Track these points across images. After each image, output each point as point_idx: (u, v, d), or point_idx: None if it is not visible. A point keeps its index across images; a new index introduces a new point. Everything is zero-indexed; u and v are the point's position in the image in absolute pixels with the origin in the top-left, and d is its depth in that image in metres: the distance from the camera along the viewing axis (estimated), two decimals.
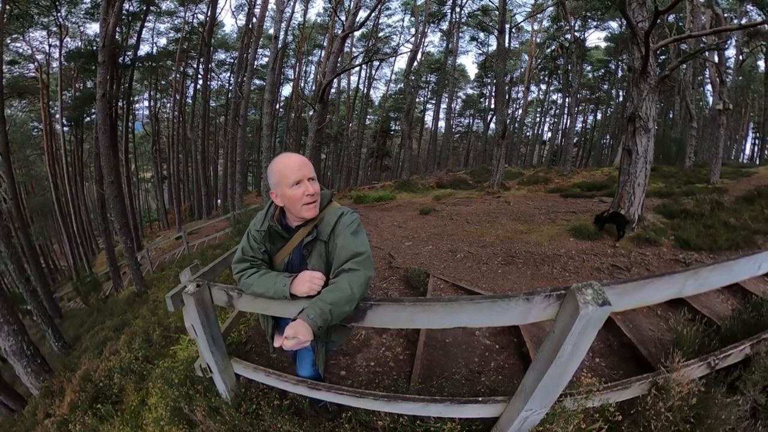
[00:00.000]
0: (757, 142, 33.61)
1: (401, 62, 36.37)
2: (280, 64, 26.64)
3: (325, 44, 28.67)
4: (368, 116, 40.78)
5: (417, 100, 35.44)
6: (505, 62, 17.70)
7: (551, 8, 25.27)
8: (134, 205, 28.27)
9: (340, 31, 12.79)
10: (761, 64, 24.84)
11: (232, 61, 31.76)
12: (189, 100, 29.70)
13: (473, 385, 2.63)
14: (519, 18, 27.08)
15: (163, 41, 27.64)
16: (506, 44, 22.60)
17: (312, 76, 35.40)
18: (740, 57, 23.07)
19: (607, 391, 1.83)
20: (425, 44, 30.33)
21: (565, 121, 34.38)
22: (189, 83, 29.74)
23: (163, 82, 30.00)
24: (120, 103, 20.83)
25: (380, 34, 31.21)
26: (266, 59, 26.20)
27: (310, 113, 14.47)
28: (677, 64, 7.08)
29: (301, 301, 1.52)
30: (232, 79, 29.65)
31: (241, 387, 2.35)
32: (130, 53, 20.26)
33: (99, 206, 16.48)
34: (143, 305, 8.42)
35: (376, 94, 41.79)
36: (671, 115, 29.52)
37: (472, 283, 4.80)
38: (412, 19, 27.06)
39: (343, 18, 12.69)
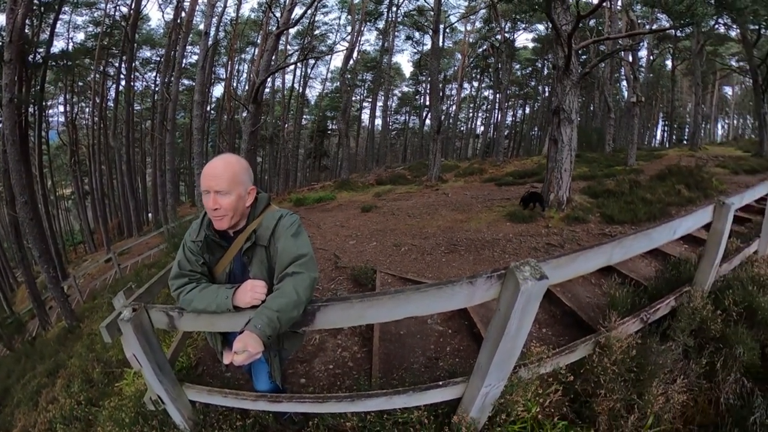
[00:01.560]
0: (665, 128, 38.71)
1: (337, 61, 35.97)
2: (210, 63, 25.14)
3: (258, 41, 27.45)
4: (304, 116, 40.02)
5: (353, 98, 35.48)
6: (439, 61, 18.36)
7: (483, 10, 26.64)
8: (54, 227, 25.02)
9: (274, 28, 12.39)
10: (669, 63, 28.64)
11: (158, 59, 29.31)
12: (111, 104, 26.74)
13: (433, 371, 2.68)
14: (453, 18, 28.23)
15: (80, 36, 24.76)
16: (440, 43, 23.45)
17: (245, 75, 33.74)
18: (651, 57, 27.02)
19: (556, 356, 1.97)
20: (361, 43, 30.50)
21: (496, 115, 36.62)
22: (110, 84, 26.83)
23: (80, 84, 26.94)
24: (31, 109, 18.16)
25: (316, 32, 30.72)
26: (196, 57, 24.71)
27: (244, 114, 13.86)
28: (596, 63, 7.85)
29: (247, 312, 1.44)
30: (158, 79, 27.50)
31: (199, 413, 2.17)
32: (42, 50, 17.53)
33: (12, 232, 14.13)
34: (77, 342, 7.53)
35: (312, 93, 41.18)
36: (592, 108, 33.07)
37: (419, 274, 4.90)
38: (349, 17, 27.04)
39: (278, 14, 12.33)
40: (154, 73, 30.20)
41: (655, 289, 2.97)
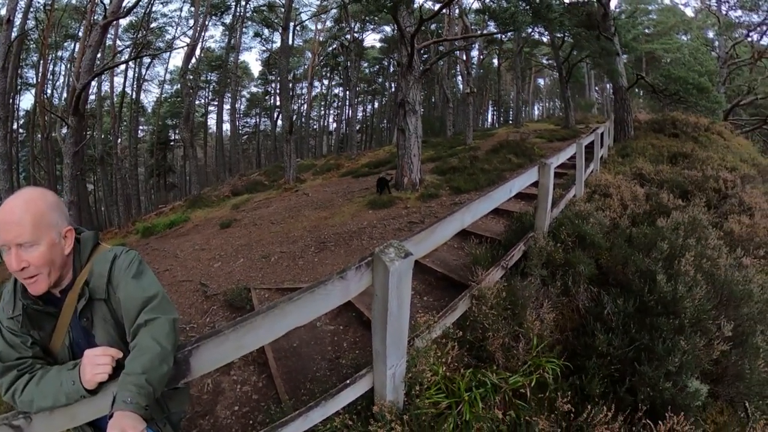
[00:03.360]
0: (494, 113, 47.15)
1: (177, 59, 31.34)
2: (15, 63, 18.52)
3: (80, 34, 21.40)
4: (141, 127, 33.78)
5: (197, 102, 32.03)
6: (288, 59, 17.99)
7: (335, 10, 27.10)
8: None
9: (101, 18, 9.92)
10: (495, 61, 35.02)
11: None
12: None
13: (339, 371, 2.67)
14: (304, 16, 27.82)
15: None
16: (290, 41, 22.89)
17: (63, 78, 25.74)
18: (481, 56, 32.85)
19: (442, 319, 2.17)
20: (205, 38, 27.36)
21: (347, 111, 38.02)
22: None
23: None
24: None
25: (153, 25, 25.74)
26: None
27: (63, 131, 10.89)
28: (435, 60, 8.95)
29: (109, 388, 1.14)
30: None
31: None
32: None
33: None
34: None
35: (149, 98, 34.45)
36: (433, 99, 37.96)
37: (295, 280, 4.79)
38: (192, 9, 23.36)
39: (106, 1, 9.90)
40: None
41: (507, 241, 3.58)
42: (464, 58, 19.37)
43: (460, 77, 25.77)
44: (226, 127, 35.90)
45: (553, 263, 2.88)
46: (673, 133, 12.19)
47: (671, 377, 1.91)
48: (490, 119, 50.28)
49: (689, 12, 22.39)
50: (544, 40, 24.02)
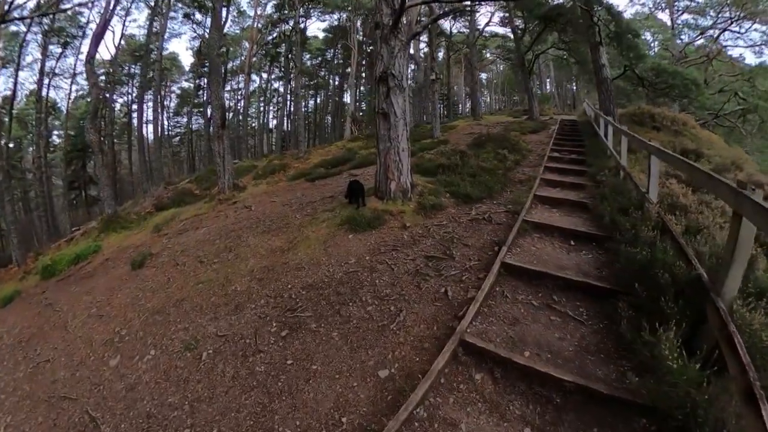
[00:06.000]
0: (442, 106, 47.11)
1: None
2: None
3: None
4: (56, 132, 28.33)
5: (119, 99, 27.04)
6: (221, 32, 14.63)
7: None
8: None
9: None
10: (441, 54, 33.11)
11: None
12: None
13: None
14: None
15: None
16: (224, 16, 19.40)
17: None
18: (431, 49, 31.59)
19: None
20: (126, 24, 22.54)
21: (289, 106, 34.88)
22: None
23: None
24: None
25: (66, 6, 20.80)
26: None
27: None
28: (434, 20, 6.74)
29: None
30: None
31: None
32: None
33: None
34: None
35: (59, 95, 28.72)
36: None
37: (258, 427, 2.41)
38: None
39: None
40: None
41: None
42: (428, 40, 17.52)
43: (414, 65, 24.13)
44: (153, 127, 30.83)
45: None
46: (654, 127, 11.57)
47: None
48: (438, 113, 50.16)
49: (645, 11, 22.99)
50: (500, 32, 23.51)
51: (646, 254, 2.96)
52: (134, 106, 32.46)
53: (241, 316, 3.65)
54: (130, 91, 31.59)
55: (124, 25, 24.00)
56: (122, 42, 24.83)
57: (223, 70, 23.76)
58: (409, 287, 3.61)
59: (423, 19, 10.68)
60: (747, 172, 5.30)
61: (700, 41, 18.10)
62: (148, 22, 24.93)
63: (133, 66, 29.27)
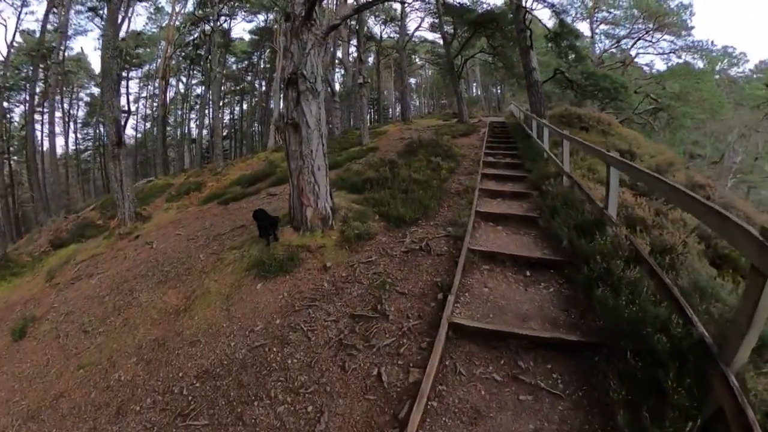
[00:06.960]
0: (371, 111, 45.53)
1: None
2: None
3: None
4: None
5: (15, 108, 22.46)
6: (116, 24, 11.99)
7: None
8: None
9: None
10: (371, 59, 33.21)
11: None
12: None
13: None
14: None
15: None
16: (121, 14, 16.39)
17: None
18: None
19: None
20: (21, 18, 18.40)
21: (210, 114, 31.98)
22: None
23: None
24: None
25: None
26: None
27: None
28: (352, 13, 5.66)
29: None
30: None
31: None
32: None
33: None
34: None
35: None
36: None
37: None
38: None
39: None
40: None
41: None
42: (355, 42, 16.65)
43: (342, 69, 23.22)
44: (60, 141, 25.82)
45: None
46: (582, 127, 11.80)
47: None
48: (368, 118, 49.62)
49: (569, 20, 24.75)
50: (430, 38, 23.63)
51: (634, 309, 2.23)
52: (38, 117, 27.10)
53: (124, 427, 2.64)
54: (25, 97, 26.38)
55: (19, 18, 19.77)
56: (21, 41, 20.53)
57: (120, 75, 20.69)
58: (331, 369, 2.60)
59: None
60: (685, 173, 5.11)
61: (614, 49, 19.82)
62: (45, 15, 20.91)
63: (32, 67, 24.40)
